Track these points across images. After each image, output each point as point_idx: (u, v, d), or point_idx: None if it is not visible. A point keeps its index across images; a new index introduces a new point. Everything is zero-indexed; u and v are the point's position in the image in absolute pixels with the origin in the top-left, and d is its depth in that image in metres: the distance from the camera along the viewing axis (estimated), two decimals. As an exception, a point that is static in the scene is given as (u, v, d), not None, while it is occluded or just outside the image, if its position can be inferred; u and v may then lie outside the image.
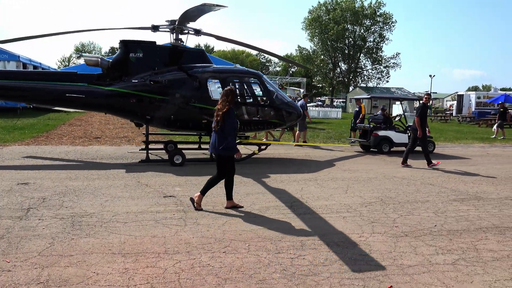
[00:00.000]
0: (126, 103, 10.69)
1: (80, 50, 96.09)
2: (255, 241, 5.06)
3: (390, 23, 58.33)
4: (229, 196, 6.58)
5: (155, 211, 6.21)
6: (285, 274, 4.15)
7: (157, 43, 11.08)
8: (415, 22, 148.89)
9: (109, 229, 5.33)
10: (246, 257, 4.55)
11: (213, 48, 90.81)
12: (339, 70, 62.39)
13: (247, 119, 11.17)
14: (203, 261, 4.39)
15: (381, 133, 13.97)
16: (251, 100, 11.67)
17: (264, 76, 12.00)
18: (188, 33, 11.48)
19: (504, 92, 48.19)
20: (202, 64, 11.32)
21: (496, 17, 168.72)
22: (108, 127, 19.65)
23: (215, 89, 11.56)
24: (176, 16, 10.64)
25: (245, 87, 11.68)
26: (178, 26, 11.00)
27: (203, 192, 6.46)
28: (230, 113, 6.29)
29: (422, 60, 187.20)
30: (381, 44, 60.04)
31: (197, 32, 11.54)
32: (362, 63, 62.51)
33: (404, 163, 11.27)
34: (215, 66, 11.58)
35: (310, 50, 62.52)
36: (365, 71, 62.40)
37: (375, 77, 61.54)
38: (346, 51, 60.16)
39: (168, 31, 11.33)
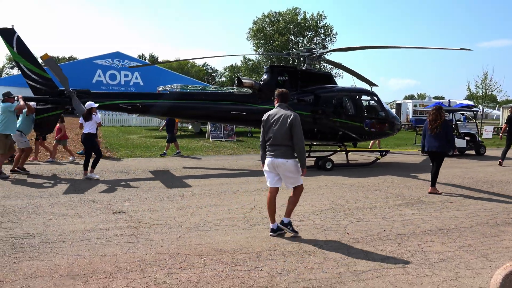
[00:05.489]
0: None
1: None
2: (210, 254, 4.99)
3: (331, 35, 60.44)
4: (433, 183, 8.99)
5: (104, 228, 5.95)
6: (243, 287, 4.11)
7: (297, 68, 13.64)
8: (354, 34, 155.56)
9: (54, 250, 5.02)
10: (203, 272, 4.47)
11: (157, 58, 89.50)
12: (284, 80, 63.53)
13: (371, 129, 13.32)
14: (158, 279, 4.26)
15: None
16: (372, 114, 13.73)
17: (377, 94, 14.35)
18: (316, 58, 14.14)
19: (437, 100, 51.42)
20: (334, 85, 13.73)
21: (428, 28, 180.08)
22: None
23: (348, 105, 13.37)
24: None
25: (368, 103, 13.98)
26: (312, 54, 13.80)
27: (433, 184, 9.00)
28: (447, 122, 9.02)
29: (361, 70, 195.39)
30: (324, 55, 62.11)
31: (319, 58, 14.33)
32: (306, 73, 64.14)
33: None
34: (342, 86, 14.01)
35: (256, 61, 63.32)
36: (309, 81, 64.03)
37: (319, 87, 63.27)
38: (291, 62, 61.56)
39: (302, 57, 14.31)
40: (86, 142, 10.25)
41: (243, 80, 12.76)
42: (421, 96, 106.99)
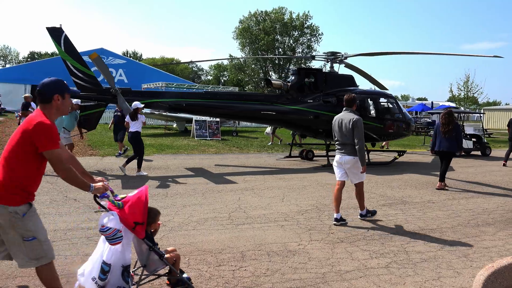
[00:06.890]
0: (305, 119, 13.19)
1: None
2: (194, 254, 4.95)
3: (317, 35, 60.74)
4: (442, 179, 9.73)
5: (86, 227, 5.86)
6: (227, 287, 4.09)
7: (322, 70, 14.46)
8: (340, 34, 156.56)
9: (34, 249, 4.91)
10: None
11: (141, 55, 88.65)
12: (270, 80, 63.47)
13: (389, 130, 13.97)
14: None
15: None
16: (391, 116, 14.31)
17: (395, 97, 14.91)
18: (338, 62, 14.52)
19: (421, 101, 52.18)
20: (356, 87, 14.21)
21: (412, 30, 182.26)
22: None
23: (369, 107, 14.05)
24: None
25: (387, 106, 14.57)
26: (336, 58, 14.26)
27: (442, 179, 9.72)
28: (458, 125, 9.73)
29: (348, 71, 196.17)
30: (309, 55, 62.24)
31: (341, 62, 14.52)
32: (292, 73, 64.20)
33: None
34: (363, 89, 14.60)
35: (241, 60, 63.28)
36: (294, 81, 64.10)
37: (305, 87, 63.44)
38: (276, 61, 61.66)
39: (324, 60, 14.88)
40: (133, 140, 10.68)
41: (272, 82, 13.40)
42: (405, 97, 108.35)
